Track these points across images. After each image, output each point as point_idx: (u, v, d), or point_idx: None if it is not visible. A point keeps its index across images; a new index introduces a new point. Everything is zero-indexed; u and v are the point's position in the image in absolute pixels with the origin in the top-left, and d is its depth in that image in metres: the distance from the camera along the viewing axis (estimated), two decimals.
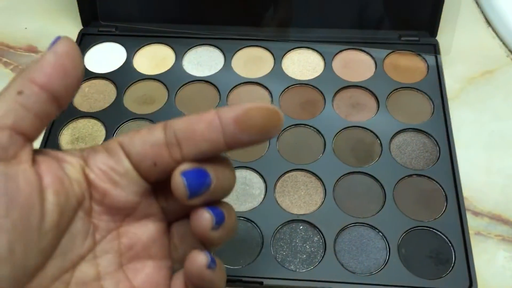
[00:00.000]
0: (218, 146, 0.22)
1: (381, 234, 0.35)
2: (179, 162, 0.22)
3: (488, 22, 0.48)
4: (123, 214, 0.23)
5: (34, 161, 0.21)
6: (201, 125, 0.22)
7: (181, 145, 0.22)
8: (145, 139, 0.22)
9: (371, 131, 0.40)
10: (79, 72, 0.21)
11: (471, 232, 0.36)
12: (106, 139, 0.40)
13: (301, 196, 0.37)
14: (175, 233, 0.25)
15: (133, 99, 0.43)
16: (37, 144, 0.39)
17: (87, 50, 0.46)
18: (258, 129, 0.22)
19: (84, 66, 0.20)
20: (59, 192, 0.21)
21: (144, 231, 0.24)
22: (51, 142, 0.40)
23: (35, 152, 0.22)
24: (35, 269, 0.21)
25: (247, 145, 0.22)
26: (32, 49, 0.47)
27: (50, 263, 0.21)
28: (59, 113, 0.22)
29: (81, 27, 0.47)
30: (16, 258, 0.20)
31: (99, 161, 0.23)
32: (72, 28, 0.47)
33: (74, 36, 0.46)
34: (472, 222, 0.37)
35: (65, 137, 0.41)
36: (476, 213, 0.37)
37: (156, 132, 0.22)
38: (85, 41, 0.46)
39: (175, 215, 0.25)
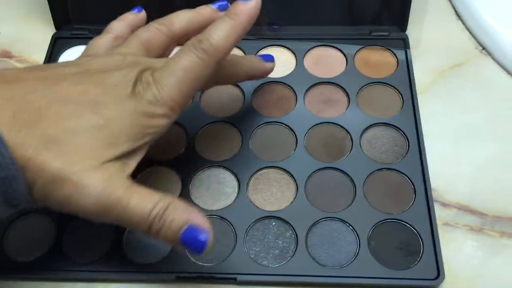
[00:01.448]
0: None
1: (351, 228, 0.36)
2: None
3: (458, 15, 0.49)
4: None
5: None
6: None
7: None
8: None
9: (342, 127, 0.41)
10: None
11: (439, 223, 0.37)
12: None
13: (273, 193, 0.38)
14: None
15: None
16: None
17: (61, 54, 0.46)
18: None
19: None
20: None
21: None
22: None
23: None
24: None
25: None
26: (5, 54, 0.47)
27: None
28: None
29: (54, 30, 0.47)
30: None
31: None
32: (45, 32, 0.47)
33: (47, 40, 0.46)
34: (441, 213, 0.37)
35: None
36: (444, 204, 0.38)
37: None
38: (58, 45, 0.46)
39: None
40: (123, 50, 0.33)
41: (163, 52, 0.35)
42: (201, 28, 0.33)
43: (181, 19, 0.35)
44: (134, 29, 0.36)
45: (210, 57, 0.30)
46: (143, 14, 0.38)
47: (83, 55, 0.35)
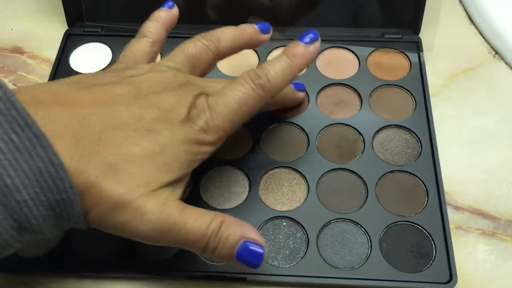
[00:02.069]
0: None
1: (363, 230, 0.36)
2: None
3: (471, 19, 0.49)
4: None
5: None
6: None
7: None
8: None
9: (354, 128, 0.41)
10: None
11: (451, 226, 0.36)
12: None
13: (284, 193, 0.38)
14: None
15: None
16: None
17: (73, 51, 0.46)
18: None
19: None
20: None
21: None
22: None
23: None
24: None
25: None
26: (17, 50, 0.47)
27: None
28: None
29: (66, 27, 0.47)
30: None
31: None
32: (57, 28, 0.47)
33: (59, 36, 0.46)
34: (453, 216, 0.37)
35: None
36: (457, 208, 0.38)
37: None
38: (70, 42, 0.46)
39: None
40: (171, 64, 0.32)
41: (208, 69, 0.35)
42: (242, 48, 0.35)
43: (227, 36, 0.35)
44: (168, 29, 0.37)
45: (266, 93, 0.31)
46: (175, 10, 0.37)
47: (123, 62, 0.34)
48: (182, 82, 0.31)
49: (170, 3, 0.37)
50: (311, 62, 0.34)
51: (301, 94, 0.41)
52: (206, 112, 0.29)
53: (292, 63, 0.32)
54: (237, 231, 0.28)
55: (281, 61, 0.32)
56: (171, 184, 0.28)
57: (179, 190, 0.29)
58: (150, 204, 0.27)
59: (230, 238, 0.28)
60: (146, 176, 0.27)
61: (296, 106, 0.42)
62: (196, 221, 0.27)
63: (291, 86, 0.40)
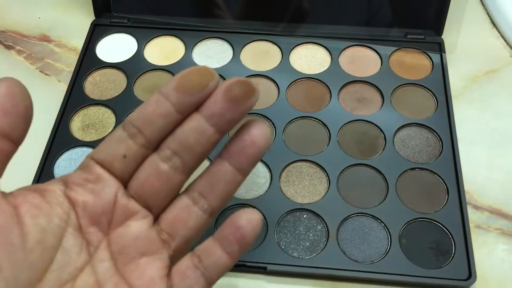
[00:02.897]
0: (172, 117, 0.24)
1: (383, 225, 0.36)
2: (144, 145, 0.24)
3: (493, 22, 0.49)
4: (106, 220, 0.25)
5: (6, 195, 0.23)
6: (150, 106, 0.24)
7: (142, 130, 0.24)
8: (110, 141, 0.25)
9: (376, 125, 0.41)
10: (21, 109, 0.22)
11: (471, 225, 0.37)
12: (115, 126, 0.41)
13: (305, 186, 0.38)
14: (164, 223, 0.25)
15: (143, 88, 0.44)
16: (47, 132, 0.40)
17: (99, 41, 0.47)
18: (196, 87, 0.23)
19: (31, 103, 0.23)
20: (37, 215, 0.23)
21: (129, 232, 0.25)
22: (61, 129, 0.41)
23: (17, 190, 0.24)
24: (29, 282, 0.22)
25: (197, 105, 0.24)
26: (45, 38, 0.48)
27: (47, 277, 0.23)
28: (16, 148, 0.23)
29: (93, 18, 0.48)
30: (6, 274, 0.21)
31: (74, 178, 0.25)
32: (84, 18, 0.48)
33: (86, 26, 0.47)
34: (473, 216, 0.37)
35: (76, 123, 0.42)
36: (476, 207, 0.38)
37: (117, 131, 0.25)
38: (97, 32, 0.47)
39: (158, 209, 0.26)
40: None
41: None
42: None
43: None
44: None
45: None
46: None
47: None
48: None
49: None
50: None
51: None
52: None
53: None
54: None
55: None
56: None
57: None
58: None
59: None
60: None
61: (318, 101, 0.42)
62: None
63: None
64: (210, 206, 0.25)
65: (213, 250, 0.24)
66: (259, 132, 0.24)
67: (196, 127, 0.24)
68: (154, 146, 0.25)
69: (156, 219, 0.26)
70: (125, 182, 0.25)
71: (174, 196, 0.25)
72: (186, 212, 0.25)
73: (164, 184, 0.25)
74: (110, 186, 0.25)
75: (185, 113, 0.24)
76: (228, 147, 0.24)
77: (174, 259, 0.25)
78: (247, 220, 0.24)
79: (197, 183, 0.25)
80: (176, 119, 0.24)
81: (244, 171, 0.25)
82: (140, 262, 0.25)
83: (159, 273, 0.25)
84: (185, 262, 0.25)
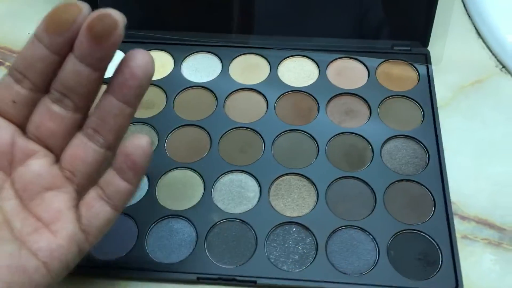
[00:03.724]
0: (49, 58, 0.25)
1: (371, 237, 0.37)
2: (32, 89, 0.26)
3: (478, 33, 0.50)
4: (6, 161, 0.26)
5: None
6: (28, 50, 0.25)
7: (25, 75, 0.25)
8: None
9: (363, 137, 0.42)
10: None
11: (458, 235, 0.37)
12: None
13: (294, 199, 0.39)
14: (65, 161, 0.27)
15: None
16: None
17: None
18: (63, 25, 0.24)
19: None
20: None
21: (30, 170, 0.26)
22: None
23: None
24: None
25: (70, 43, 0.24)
26: None
27: None
28: None
29: None
30: None
31: None
32: None
33: None
34: (460, 226, 0.38)
35: None
36: (463, 217, 0.38)
37: (4, 78, 0.26)
38: None
39: (58, 149, 0.27)
40: None
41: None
42: None
43: None
44: None
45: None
46: None
47: None
48: None
49: None
50: None
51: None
52: None
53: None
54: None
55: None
56: None
57: None
58: None
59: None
60: None
61: (306, 114, 0.43)
62: None
63: None
64: (105, 140, 0.27)
65: (113, 180, 0.26)
66: (137, 63, 0.25)
67: (72, 69, 0.25)
68: (43, 89, 0.26)
69: (58, 158, 0.27)
70: (22, 126, 0.27)
71: (73, 134, 0.27)
72: (82, 149, 0.27)
73: (59, 124, 0.26)
74: (6, 129, 0.26)
75: (62, 53, 0.25)
76: (112, 82, 0.26)
77: (81, 194, 0.27)
78: (135, 146, 0.26)
79: (89, 120, 0.27)
80: (54, 60, 0.25)
81: (131, 103, 0.26)
82: (46, 196, 0.26)
83: (66, 204, 0.26)
84: (90, 194, 0.27)
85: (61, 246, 0.26)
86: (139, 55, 0.25)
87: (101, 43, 0.24)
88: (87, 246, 0.27)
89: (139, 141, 0.26)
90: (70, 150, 0.27)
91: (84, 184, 0.27)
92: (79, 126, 0.27)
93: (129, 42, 0.47)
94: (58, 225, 0.26)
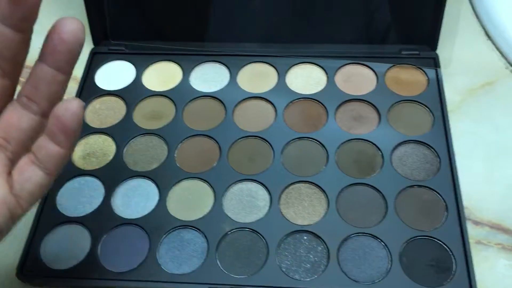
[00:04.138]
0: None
1: (383, 244, 0.36)
2: None
3: (487, 34, 0.49)
4: None
5: None
6: None
7: None
8: None
9: (373, 144, 0.41)
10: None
11: (471, 241, 0.37)
12: (116, 154, 0.42)
13: (305, 207, 0.38)
14: (0, 127, 0.27)
15: (142, 115, 0.44)
16: None
17: (98, 68, 0.48)
18: None
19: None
20: None
21: None
22: None
23: None
24: None
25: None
26: None
27: None
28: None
29: (92, 46, 0.49)
30: None
31: None
32: (84, 47, 0.49)
33: (85, 55, 0.48)
34: (473, 231, 0.37)
35: (77, 152, 0.42)
36: (476, 222, 0.38)
37: None
38: (96, 60, 0.48)
39: None
40: None
41: None
42: None
43: None
44: None
45: None
46: None
47: None
48: None
49: None
50: None
51: None
52: None
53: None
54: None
55: None
56: None
57: None
58: None
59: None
60: None
61: (315, 121, 0.43)
62: None
63: None
64: (39, 108, 0.27)
65: (44, 144, 0.26)
66: (66, 29, 0.25)
67: None
68: None
69: None
70: None
71: (5, 102, 0.27)
72: (17, 116, 0.27)
73: None
74: None
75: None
76: (42, 49, 0.26)
77: (15, 161, 0.27)
78: (65, 109, 0.25)
79: (23, 88, 0.27)
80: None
81: (64, 70, 0.26)
82: None
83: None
84: (23, 160, 0.27)
85: None
86: (68, 21, 0.25)
87: (19, 2, 0.24)
88: (20, 211, 0.27)
89: (69, 104, 0.26)
90: (4, 117, 0.27)
91: (18, 151, 0.27)
92: (10, 93, 0.27)
93: (138, 54, 0.48)
94: None
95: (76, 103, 0.26)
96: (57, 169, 0.27)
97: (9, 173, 0.27)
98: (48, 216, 0.39)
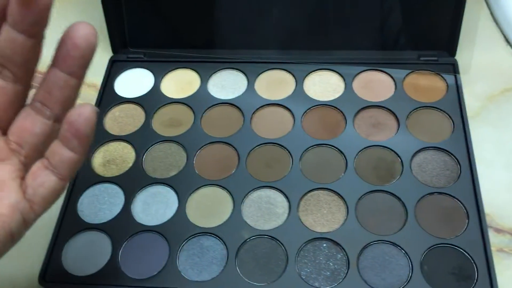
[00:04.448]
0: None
1: (403, 252, 0.36)
2: None
3: (507, 40, 0.49)
4: None
5: None
6: None
7: None
8: None
9: (392, 150, 0.41)
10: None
11: (493, 249, 0.36)
12: (136, 161, 0.42)
13: (324, 215, 0.38)
14: (12, 134, 0.27)
15: (160, 122, 0.45)
16: None
17: (117, 76, 0.48)
18: None
19: None
20: None
21: None
22: (83, 166, 0.42)
23: None
24: None
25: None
26: None
27: None
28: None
29: (111, 54, 0.49)
30: None
31: None
32: (102, 55, 0.49)
33: (104, 63, 0.49)
34: (494, 239, 0.37)
35: (97, 159, 0.43)
36: (498, 230, 0.38)
37: None
38: (115, 68, 0.49)
39: (4, 122, 0.27)
40: None
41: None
42: None
43: None
44: None
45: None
46: None
47: None
48: None
49: None
50: None
51: None
52: None
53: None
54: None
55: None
56: None
57: None
58: None
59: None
60: None
61: (333, 128, 0.43)
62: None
63: None
64: (52, 113, 0.27)
65: (58, 149, 0.26)
66: (79, 34, 0.25)
67: (7, 37, 0.25)
68: None
69: (4, 132, 0.27)
70: None
71: (18, 107, 0.27)
72: (30, 121, 0.27)
73: (1, 96, 0.26)
74: None
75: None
76: (55, 54, 0.26)
77: (28, 165, 0.27)
78: (78, 114, 0.25)
79: (37, 94, 0.27)
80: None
81: (77, 75, 0.26)
82: None
83: (10, 175, 0.26)
84: (36, 165, 0.27)
85: (3, 214, 0.26)
86: (81, 26, 0.25)
87: (30, 6, 0.24)
88: (33, 216, 0.27)
89: (82, 109, 0.26)
90: (18, 122, 0.27)
91: (32, 156, 0.27)
92: (23, 98, 0.28)
93: (156, 62, 0.49)
94: (0, 195, 0.26)
95: (89, 109, 0.26)
96: (70, 174, 0.27)
97: (23, 178, 0.27)
98: (69, 223, 0.39)
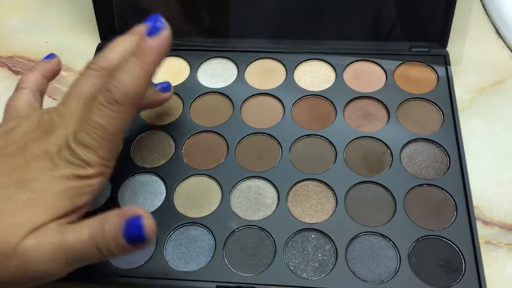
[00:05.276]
0: None
1: (391, 243, 0.36)
2: None
3: (498, 33, 0.49)
4: None
5: None
6: None
7: None
8: None
9: (382, 141, 0.41)
10: None
11: (481, 241, 0.36)
12: (124, 150, 0.41)
13: (312, 205, 0.38)
14: None
15: (149, 111, 0.44)
16: None
17: None
18: None
19: None
20: None
21: None
22: None
23: None
24: None
25: None
26: None
27: None
28: None
29: (99, 41, 0.48)
30: None
31: None
32: (90, 42, 0.49)
33: (92, 50, 0.48)
34: (483, 231, 0.37)
35: None
36: (486, 222, 0.38)
37: None
38: None
39: None
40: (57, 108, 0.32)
41: None
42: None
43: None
44: (49, 77, 0.37)
45: (124, 106, 0.29)
46: (56, 60, 0.38)
47: (8, 118, 0.34)
48: (47, 127, 0.30)
49: (52, 55, 0.38)
50: (165, 54, 0.32)
51: (165, 95, 0.41)
52: (78, 150, 0.29)
53: (142, 63, 0.30)
54: (116, 220, 0.28)
55: (130, 65, 0.30)
56: (57, 219, 0.28)
57: (71, 219, 0.29)
58: (30, 244, 0.27)
59: (113, 231, 0.27)
60: (25, 221, 0.27)
61: (323, 119, 0.43)
62: (76, 234, 0.28)
63: (154, 88, 0.40)
64: None
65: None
66: None
67: None
68: None
69: None
70: None
71: None
72: None
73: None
74: None
75: None
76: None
77: None
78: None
79: None
80: None
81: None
82: None
83: None
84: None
85: None
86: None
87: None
88: None
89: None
90: None
91: None
92: None
93: None
94: None
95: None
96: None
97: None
98: None
